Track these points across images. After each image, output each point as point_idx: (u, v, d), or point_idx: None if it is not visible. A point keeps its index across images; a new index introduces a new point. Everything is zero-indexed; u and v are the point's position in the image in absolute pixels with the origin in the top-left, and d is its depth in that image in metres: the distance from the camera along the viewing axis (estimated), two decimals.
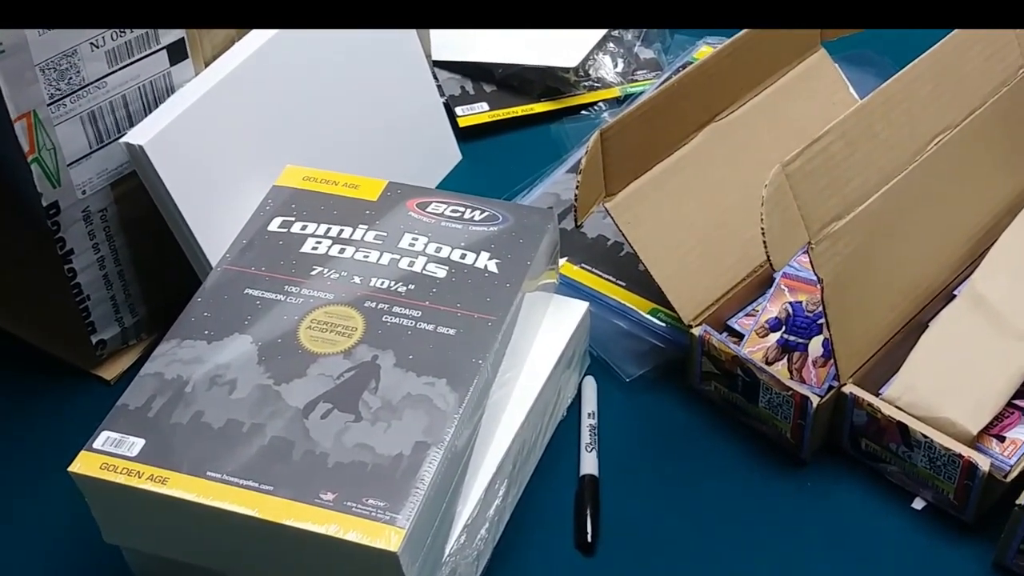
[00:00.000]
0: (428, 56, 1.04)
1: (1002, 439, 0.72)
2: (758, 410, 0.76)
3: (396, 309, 0.70)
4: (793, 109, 0.84)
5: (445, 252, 0.73)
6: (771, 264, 0.66)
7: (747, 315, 0.81)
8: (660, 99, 0.76)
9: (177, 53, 0.80)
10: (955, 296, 0.77)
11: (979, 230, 0.80)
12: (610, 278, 0.87)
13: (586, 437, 0.77)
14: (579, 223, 0.74)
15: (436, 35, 1.05)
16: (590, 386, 0.81)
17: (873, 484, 0.75)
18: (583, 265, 0.88)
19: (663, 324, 0.83)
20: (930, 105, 0.74)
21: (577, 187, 0.72)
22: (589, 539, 0.72)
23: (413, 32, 0.93)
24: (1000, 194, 0.82)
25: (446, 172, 0.99)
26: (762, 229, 0.65)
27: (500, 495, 0.71)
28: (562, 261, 0.88)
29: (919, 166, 0.73)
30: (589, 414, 0.79)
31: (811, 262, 0.68)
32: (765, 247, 0.65)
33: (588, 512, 0.73)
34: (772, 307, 0.80)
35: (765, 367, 0.73)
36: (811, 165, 0.67)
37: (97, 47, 0.75)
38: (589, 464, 0.76)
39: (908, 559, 0.71)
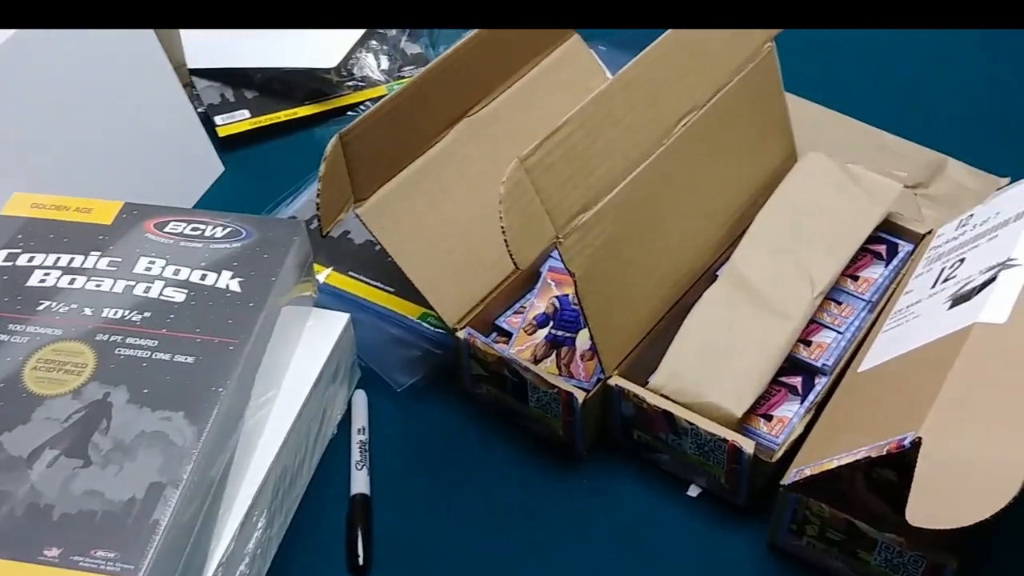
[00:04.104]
0: (183, 64, 0.99)
1: (769, 418, 0.72)
2: (530, 410, 0.74)
3: (130, 340, 0.65)
4: (548, 99, 0.82)
5: (184, 274, 0.69)
6: (515, 263, 0.63)
7: (515, 313, 0.79)
8: (403, 97, 0.73)
9: None
10: (717, 277, 0.77)
11: (737, 209, 0.80)
12: (379, 285, 0.83)
13: (356, 454, 0.74)
14: (324, 233, 0.70)
15: (190, 42, 1.00)
16: (360, 400, 0.78)
17: (649, 474, 0.74)
18: (351, 273, 0.84)
19: (433, 329, 0.80)
20: (674, 86, 0.73)
21: (318, 196, 0.69)
22: (361, 562, 0.69)
23: (154, 40, 0.88)
24: (756, 171, 0.81)
25: (207, 186, 0.94)
26: (502, 228, 0.62)
27: (260, 527, 0.67)
28: (328, 270, 0.84)
29: (666, 150, 0.72)
30: (359, 430, 0.76)
31: (561, 257, 0.66)
32: (507, 246, 0.63)
33: (359, 533, 0.70)
34: (539, 303, 0.79)
35: (530, 366, 0.71)
36: (551, 157, 0.65)
37: None
38: (360, 483, 0.73)
39: (686, 546, 0.70)
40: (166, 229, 0.72)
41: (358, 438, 0.75)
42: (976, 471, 0.56)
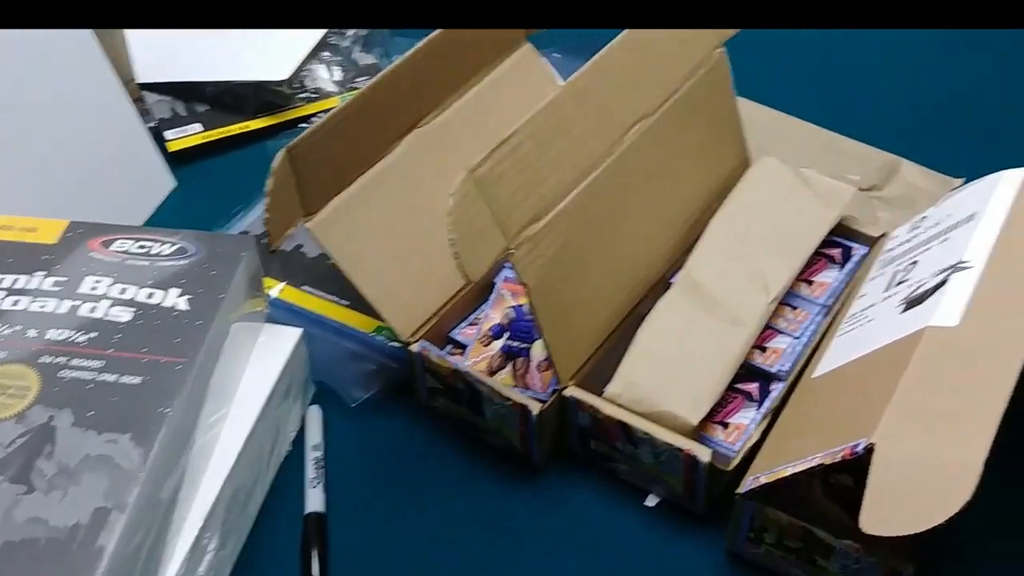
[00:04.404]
0: (132, 79, 0.98)
1: (726, 425, 0.71)
2: (486, 422, 0.73)
3: (75, 362, 0.64)
4: (500, 108, 0.81)
5: (131, 293, 0.68)
6: (465, 275, 0.63)
7: (470, 324, 0.79)
8: (352, 109, 0.72)
9: None
10: (671, 285, 0.76)
11: (690, 216, 0.80)
12: (333, 298, 0.83)
13: (311, 472, 0.73)
14: (273, 248, 0.70)
15: (140, 56, 0.99)
16: (314, 417, 0.77)
17: (607, 484, 0.73)
18: (304, 287, 0.83)
19: (388, 343, 0.79)
20: (625, 93, 0.72)
21: (266, 211, 0.68)
22: None
23: (100, 55, 0.87)
24: (708, 177, 0.81)
25: (158, 202, 0.93)
26: (451, 240, 0.62)
27: (212, 549, 0.66)
28: (281, 285, 0.83)
29: (618, 158, 0.71)
30: (314, 447, 0.75)
31: (513, 268, 0.66)
32: (457, 258, 0.62)
33: (314, 553, 0.69)
34: (494, 314, 0.78)
35: (484, 378, 0.71)
36: (501, 167, 0.65)
37: None
38: (314, 501, 0.72)
39: (645, 556, 0.70)
40: (112, 247, 0.71)
41: (313, 455, 0.74)
42: (930, 476, 0.56)
